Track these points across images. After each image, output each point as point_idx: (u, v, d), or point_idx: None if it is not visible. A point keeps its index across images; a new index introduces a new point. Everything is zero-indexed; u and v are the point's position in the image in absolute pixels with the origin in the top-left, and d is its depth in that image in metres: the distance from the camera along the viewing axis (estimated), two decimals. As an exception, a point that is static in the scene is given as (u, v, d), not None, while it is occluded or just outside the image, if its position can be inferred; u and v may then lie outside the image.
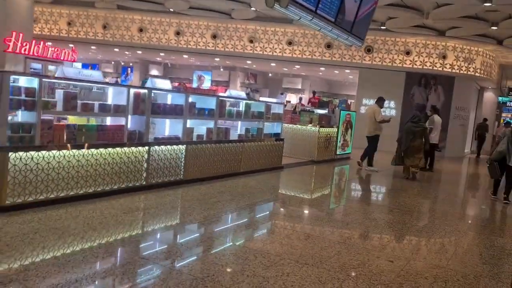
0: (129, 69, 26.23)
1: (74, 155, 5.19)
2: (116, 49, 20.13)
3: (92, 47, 20.21)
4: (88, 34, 18.52)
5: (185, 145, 6.77)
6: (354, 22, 7.87)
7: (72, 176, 5.17)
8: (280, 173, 9.05)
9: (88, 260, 3.55)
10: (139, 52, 20.29)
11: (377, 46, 16.27)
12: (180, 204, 5.82)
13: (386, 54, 16.26)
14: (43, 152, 4.86)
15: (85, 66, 27.03)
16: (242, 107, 8.21)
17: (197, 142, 7.04)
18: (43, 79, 4.99)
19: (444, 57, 15.89)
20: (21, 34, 11.02)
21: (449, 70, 15.95)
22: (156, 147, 6.27)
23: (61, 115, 5.27)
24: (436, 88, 16.57)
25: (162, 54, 20.24)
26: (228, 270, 3.60)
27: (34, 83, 4.85)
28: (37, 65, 11.83)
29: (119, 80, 26.15)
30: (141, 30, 18.01)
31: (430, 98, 16.53)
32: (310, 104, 16.07)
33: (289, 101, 18.19)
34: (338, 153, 12.16)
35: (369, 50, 16.28)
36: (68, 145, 5.09)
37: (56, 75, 5.70)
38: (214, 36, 17.38)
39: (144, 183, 6.13)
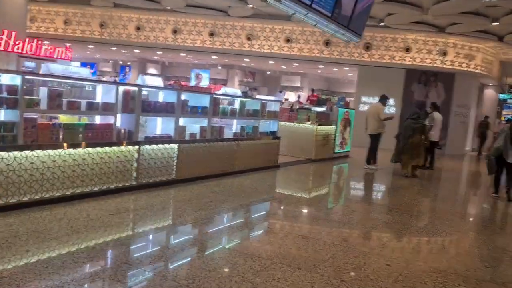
0: (127, 68, 26.06)
1: (60, 155, 4.99)
2: (113, 48, 19.95)
3: (90, 46, 20.03)
4: (85, 33, 18.33)
5: (177, 144, 6.58)
6: (351, 17, 7.67)
7: (57, 177, 4.98)
8: (276, 172, 8.85)
9: (67, 266, 3.36)
10: (137, 50, 20.11)
11: (376, 43, 16.05)
12: (170, 205, 5.63)
13: (386, 51, 16.04)
14: (26, 152, 4.67)
15: (83, 65, 26.86)
16: (237, 105, 8.02)
17: (190, 141, 6.85)
18: (26, 76, 4.80)
19: (444, 53, 15.66)
20: (13, 33, 10.83)
21: (450, 67, 15.73)
22: (146, 146, 6.08)
23: (45, 113, 5.09)
24: (436, 85, 16.35)
25: (159, 52, 20.05)
26: (216, 275, 3.41)
27: (16, 80, 4.67)
28: (31, 64, 11.64)
29: (117, 79, 25.97)
30: (138, 28, 17.81)
31: (430, 95, 16.30)
32: (308, 102, 15.86)
33: (287, 99, 17.98)
34: (336, 151, 11.97)
35: (368, 47, 16.07)
36: (54, 144, 4.90)
37: (41, 72, 5.50)
38: (211, 34, 17.18)
39: (134, 183, 5.94)
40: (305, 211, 6.22)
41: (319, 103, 14.00)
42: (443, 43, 15.61)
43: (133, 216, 4.99)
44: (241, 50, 17.11)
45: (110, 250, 3.85)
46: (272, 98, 10.37)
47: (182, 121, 6.74)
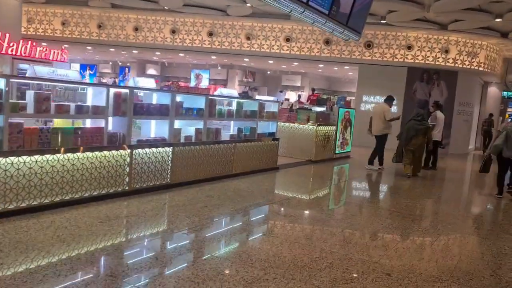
0: (126, 69, 25.94)
1: (47, 161, 4.83)
2: (112, 49, 19.81)
3: (88, 47, 19.89)
4: (82, 34, 18.19)
5: (171, 147, 6.40)
6: (350, 14, 7.47)
7: (46, 183, 4.81)
8: (275, 174, 8.66)
9: (48, 279, 3.18)
10: (135, 51, 19.96)
11: (377, 41, 15.82)
12: (163, 211, 5.45)
13: (387, 49, 15.81)
14: (12, 158, 4.50)
15: (83, 66, 26.78)
16: (234, 106, 7.84)
17: (185, 144, 6.67)
18: (11, 80, 4.63)
19: (447, 51, 15.42)
20: (7, 35, 10.68)
21: (452, 64, 15.49)
22: (139, 150, 5.91)
23: (32, 117, 4.92)
24: (438, 83, 16.10)
25: (158, 53, 19.89)
26: (205, 288, 3.23)
27: (0, 83, 4.50)
28: (25, 66, 11.49)
29: (117, 80, 25.86)
30: (136, 29, 17.66)
31: (432, 93, 16.06)
32: (308, 101, 15.64)
33: (288, 99, 17.79)
34: (337, 152, 11.77)
35: (369, 45, 15.85)
36: (41, 150, 4.73)
37: (27, 75, 5.34)
38: (210, 34, 17.00)
39: (126, 188, 5.77)
40: (302, 216, 6.03)
41: (319, 102, 13.80)
42: (445, 40, 15.37)
43: (123, 223, 4.82)
44: (241, 50, 16.92)
45: (93, 262, 3.66)
46: (270, 98, 10.17)
47: (177, 124, 6.56)
